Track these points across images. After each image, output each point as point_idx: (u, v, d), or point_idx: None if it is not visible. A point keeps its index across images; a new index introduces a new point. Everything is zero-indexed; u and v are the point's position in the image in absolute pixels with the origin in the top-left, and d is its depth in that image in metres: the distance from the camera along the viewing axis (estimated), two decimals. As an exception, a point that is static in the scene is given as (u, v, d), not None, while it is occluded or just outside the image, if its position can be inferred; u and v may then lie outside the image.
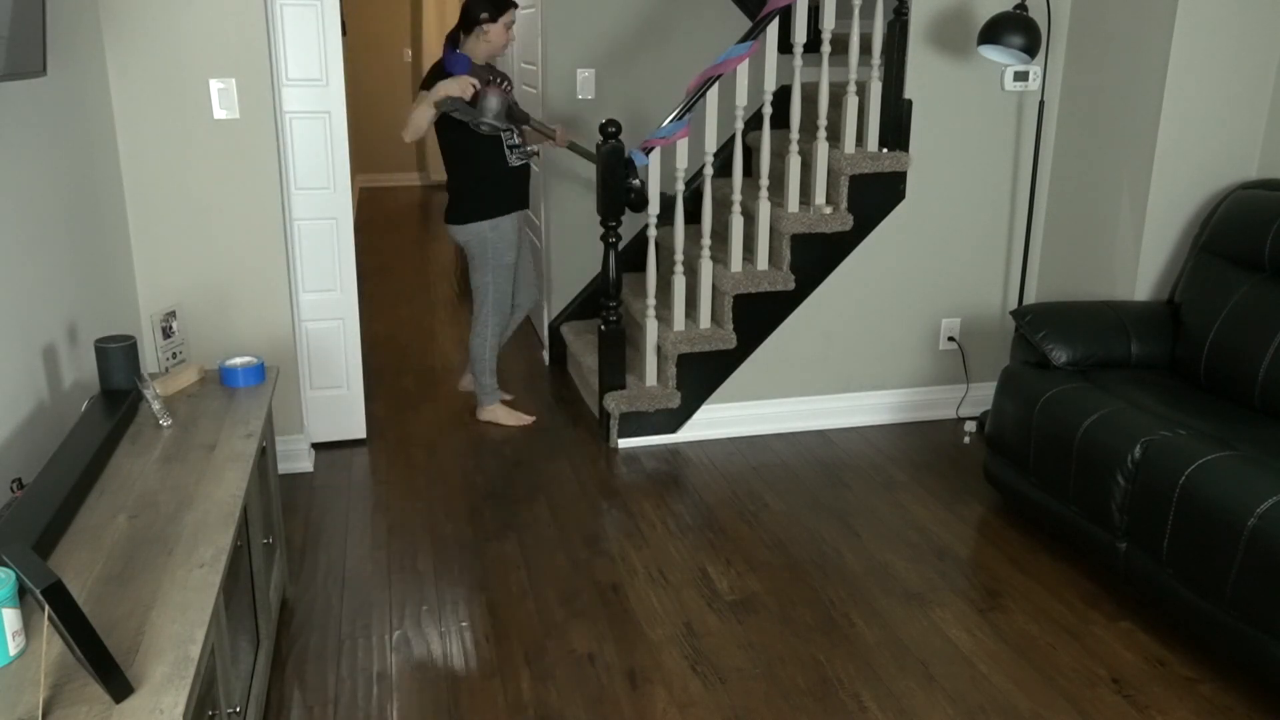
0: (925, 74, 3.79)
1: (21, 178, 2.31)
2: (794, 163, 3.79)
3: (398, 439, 3.95)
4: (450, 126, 3.72)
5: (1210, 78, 3.37)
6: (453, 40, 3.78)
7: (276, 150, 3.34)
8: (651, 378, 3.93)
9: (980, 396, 4.21)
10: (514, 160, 3.79)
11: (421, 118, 3.64)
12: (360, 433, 3.90)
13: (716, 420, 3.96)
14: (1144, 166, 3.48)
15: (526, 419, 4.11)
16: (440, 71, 3.72)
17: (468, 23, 3.69)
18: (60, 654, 1.51)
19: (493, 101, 3.58)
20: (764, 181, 3.78)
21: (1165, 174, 3.45)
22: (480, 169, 3.75)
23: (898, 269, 3.98)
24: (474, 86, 3.57)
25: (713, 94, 3.68)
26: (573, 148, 4.01)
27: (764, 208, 3.82)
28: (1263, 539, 2.29)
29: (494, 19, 3.65)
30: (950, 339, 4.12)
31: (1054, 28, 3.83)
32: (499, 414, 4.10)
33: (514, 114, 3.72)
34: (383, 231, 7.97)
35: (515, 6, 3.72)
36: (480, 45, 3.72)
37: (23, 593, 1.64)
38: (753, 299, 3.85)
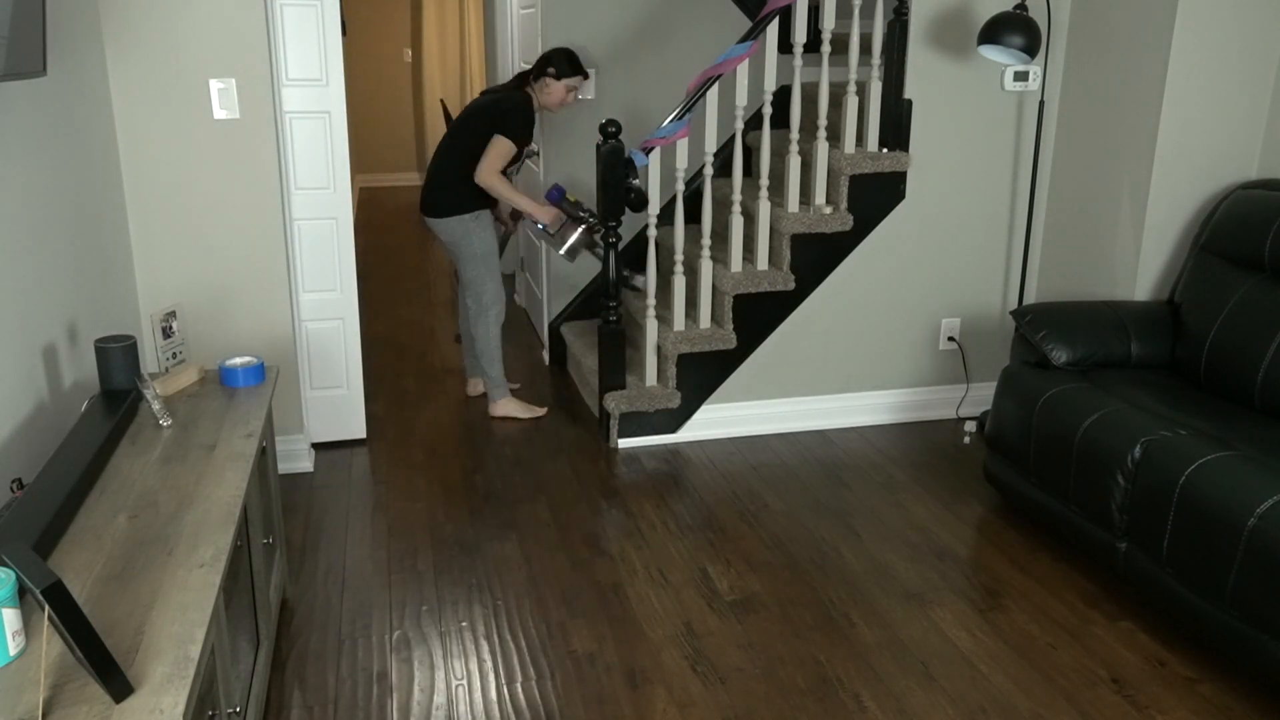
0: (925, 74, 3.79)
1: (21, 177, 2.31)
2: (794, 163, 3.79)
3: (398, 439, 3.95)
4: (476, 133, 3.81)
5: (1210, 78, 3.37)
6: (521, 79, 3.94)
7: (276, 150, 3.34)
8: (651, 378, 3.93)
9: (980, 396, 4.21)
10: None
11: (510, 200, 3.83)
12: (360, 433, 3.90)
13: (716, 420, 3.96)
14: (1144, 166, 3.48)
15: (539, 410, 4.16)
16: (528, 111, 3.83)
17: (538, 70, 3.87)
18: (60, 654, 1.51)
19: (574, 240, 3.86)
20: (764, 181, 3.78)
21: (1165, 174, 3.45)
22: (472, 174, 3.83)
23: (898, 269, 3.98)
24: (560, 220, 3.86)
25: (713, 94, 3.68)
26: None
27: (764, 208, 3.82)
28: (1263, 539, 2.29)
29: (558, 77, 3.83)
30: (950, 339, 4.13)
31: (1054, 28, 3.83)
32: (511, 408, 4.14)
33: (585, 240, 3.93)
34: (383, 231, 7.98)
35: (584, 77, 3.90)
36: (540, 94, 3.90)
37: (23, 593, 1.64)
38: (753, 299, 3.85)
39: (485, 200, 3.90)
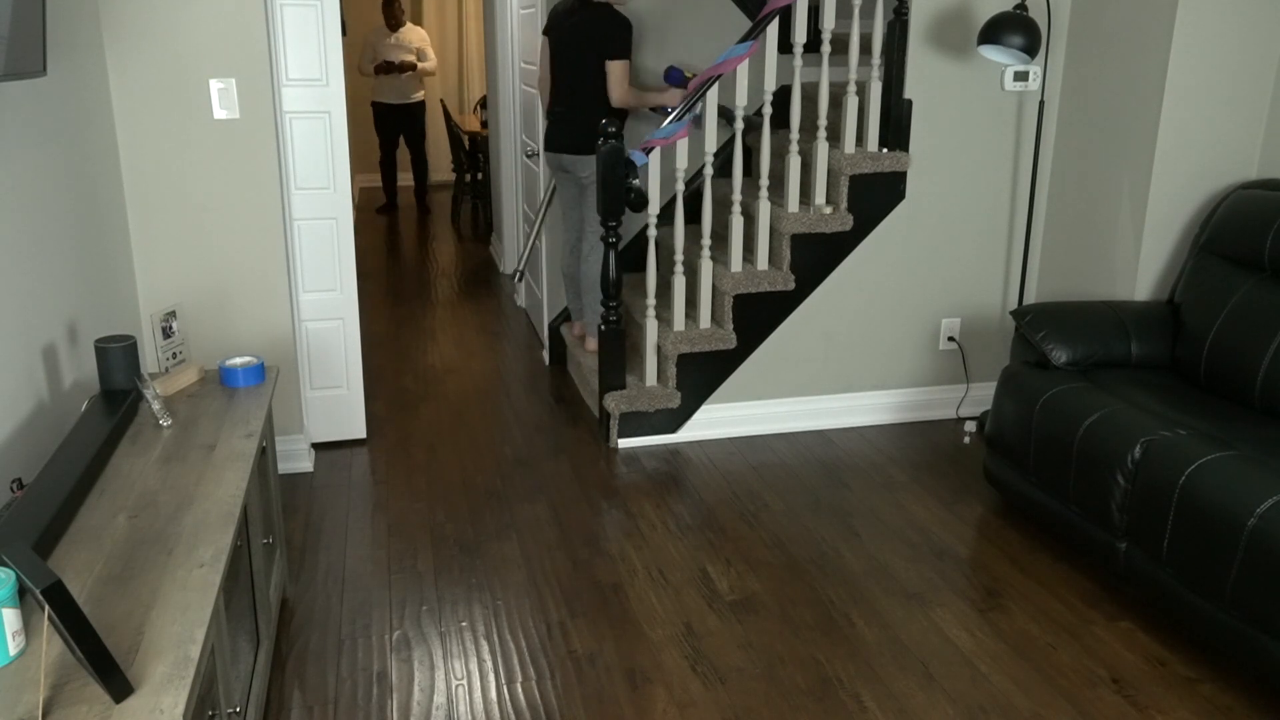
0: (925, 74, 3.79)
1: (21, 178, 2.31)
2: (794, 163, 3.79)
3: (398, 439, 3.95)
4: (593, 67, 4.02)
5: (1210, 78, 3.37)
6: None
7: (276, 150, 3.34)
8: (651, 378, 3.93)
9: (980, 396, 4.21)
10: None
11: (648, 103, 4.10)
12: (360, 433, 3.90)
13: (716, 420, 3.96)
14: (1144, 166, 3.48)
15: None
16: (623, 21, 3.99)
17: None
18: (60, 654, 1.51)
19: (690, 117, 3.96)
20: (764, 181, 3.78)
21: (1165, 174, 3.45)
22: (608, 109, 4.09)
23: (898, 269, 3.98)
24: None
25: (713, 94, 3.68)
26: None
27: (764, 208, 3.82)
28: (1263, 539, 2.29)
29: None
30: (950, 339, 4.13)
31: (1054, 28, 3.83)
32: None
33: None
34: (383, 231, 7.97)
35: None
36: None
37: (23, 593, 1.64)
38: (753, 299, 3.85)
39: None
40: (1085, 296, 3.81)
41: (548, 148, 4.23)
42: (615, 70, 3.98)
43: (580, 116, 4.07)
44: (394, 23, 7.84)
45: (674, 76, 4.05)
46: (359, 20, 9.45)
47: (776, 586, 2.93)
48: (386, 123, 8.08)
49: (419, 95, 8.07)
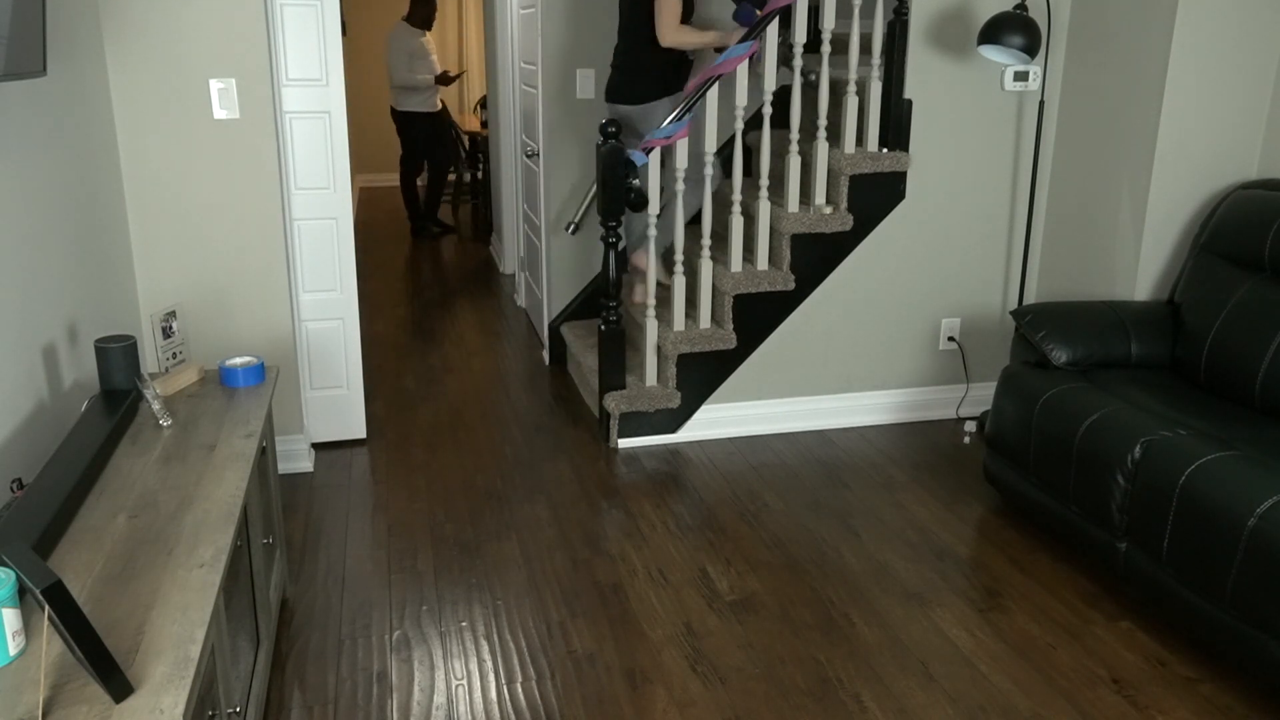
0: (925, 74, 3.79)
1: (21, 178, 2.31)
2: (794, 163, 3.79)
3: (398, 439, 3.95)
4: (648, 8, 3.92)
5: (1210, 78, 3.37)
6: None
7: (276, 150, 3.34)
8: (651, 378, 3.93)
9: (980, 396, 4.21)
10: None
11: (706, 43, 3.89)
12: (360, 433, 3.90)
13: (716, 420, 3.96)
14: (1144, 166, 3.48)
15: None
16: None
17: None
18: (60, 654, 1.51)
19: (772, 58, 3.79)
20: (764, 181, 3.78)
21: (1165, 174, 3.45)
22: (665, 52, 3.97)
23: (898, 269, 3.98)
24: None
25: (713, 94, 3.68)
26: None
27: (764, 208, 3.82)
28: (1263, 539, 2.29)
29: None
30: (950, 339, 4.13)
31: (1054, 28, 3.83)
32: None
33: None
34: (382, 231, 7.97)
35: None
36: None
37: (23, 593, 1.64)
38: (753, 299, 3.85)
39: (680, 79, 4.00)
40: (1085, 296, 3.81)
41: (606, 98, 4.19)
42: (662, 7, 3.86)
43: (633, 62, 4.00)
44: (426, 24, 7.13)
45: (745, 15, 3.78)
46: (359, 20, 9.46)
47: (776, 586, 2.93)
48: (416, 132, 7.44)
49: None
